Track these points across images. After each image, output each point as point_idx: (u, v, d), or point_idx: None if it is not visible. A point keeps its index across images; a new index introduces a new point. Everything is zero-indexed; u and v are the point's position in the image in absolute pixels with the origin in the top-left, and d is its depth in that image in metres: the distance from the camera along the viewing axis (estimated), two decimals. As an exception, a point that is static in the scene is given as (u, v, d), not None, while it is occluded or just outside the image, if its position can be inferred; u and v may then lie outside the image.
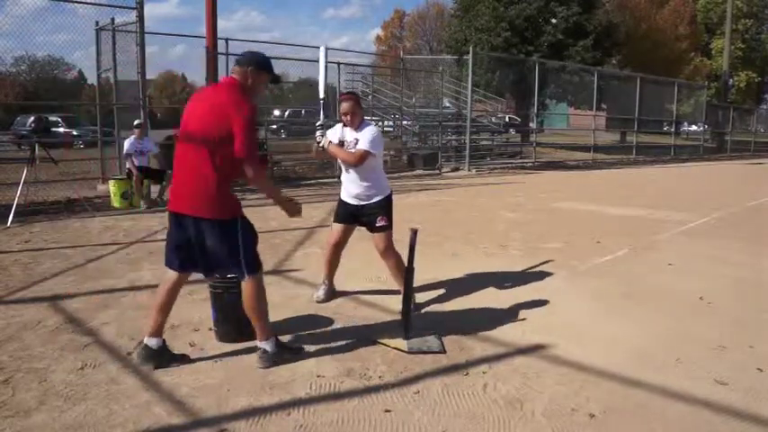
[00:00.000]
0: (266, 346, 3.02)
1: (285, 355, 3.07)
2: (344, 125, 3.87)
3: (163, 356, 2.98)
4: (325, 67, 3.98)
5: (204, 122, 2.81)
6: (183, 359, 3.03)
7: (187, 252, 2.91)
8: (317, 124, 3.87)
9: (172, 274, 2.98)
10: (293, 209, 3.08)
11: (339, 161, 3.97)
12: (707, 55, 38.75)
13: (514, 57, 20.25)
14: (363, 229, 4.00)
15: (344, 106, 3.78)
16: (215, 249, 2.85)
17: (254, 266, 2.96)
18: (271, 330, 3.06)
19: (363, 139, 3.77)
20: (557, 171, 16.15)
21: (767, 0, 42.08)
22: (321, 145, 3.79)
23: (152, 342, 2.97)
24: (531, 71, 17.62)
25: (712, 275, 4.98)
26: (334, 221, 4.06)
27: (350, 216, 3.97)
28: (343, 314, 3.83)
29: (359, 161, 3.74)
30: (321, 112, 3.94)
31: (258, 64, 2.95)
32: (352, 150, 3.78)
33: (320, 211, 7.89)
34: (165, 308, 2.99)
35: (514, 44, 21.80)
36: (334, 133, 3.88)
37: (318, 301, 4.04)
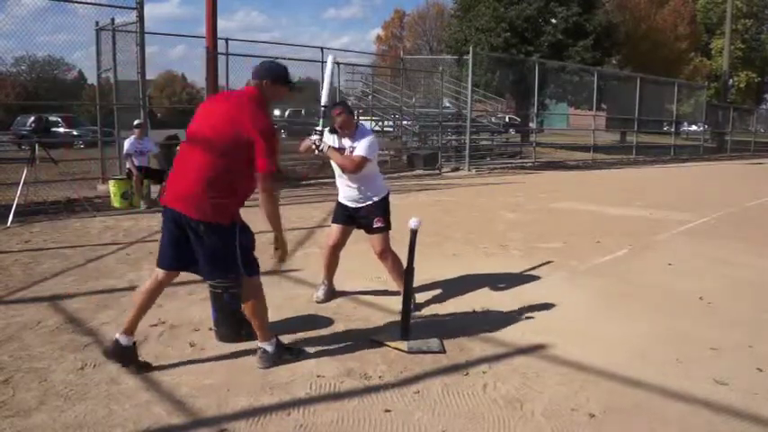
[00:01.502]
0: (266, 346, 3.02)
1: (285, 355, 3.07)
2: (338, 134, 3.87)
3: (130, 357, 2.91)
4: (331, 74, 3.96)
5: (216, 129, 2.78)
6: (147, 368, 2.94)
7: (182, 250, 2.86)
8: (316, 129, 3.86)
9: (160, 273, 2.93)
10: (283, 253, 3.04)
11: (333, 164, 3.95)
12: (707, 55, 38.76)
13: (514, 57, 20.25)
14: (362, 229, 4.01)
15: (340, 121, 3.78)
16: (213, 252, 2.82)
17: (252, 268, 2.96)
18: (271, 331, 3.06)
19: (360, 146, 3.77)
20: (557, 171, 16.15)
21: (767, 0, 42.07)
22: (321, 149, 3.77)
23: (123, 339, 2.89)
24: (530, 71, 17.62)
25: (712, 275, 4.98)
26: (333, 222, 4.07)
27: (348, 218, 3.98)
28: (343, 314, 3.83)
29: (357, 168, 3.74)
30: (321, 119, 3.92)
31: (274, 77, 2.89)
32: (320, 143, 3.77)
33: (320, 212, 7.89)
34: (146, 307, 2.95)
35: (514, 44, 21.80)
36: (332, 140, 3.88)
37: (318, 302, 4.05)
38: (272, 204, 2.86)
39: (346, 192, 3.94)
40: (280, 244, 3.00)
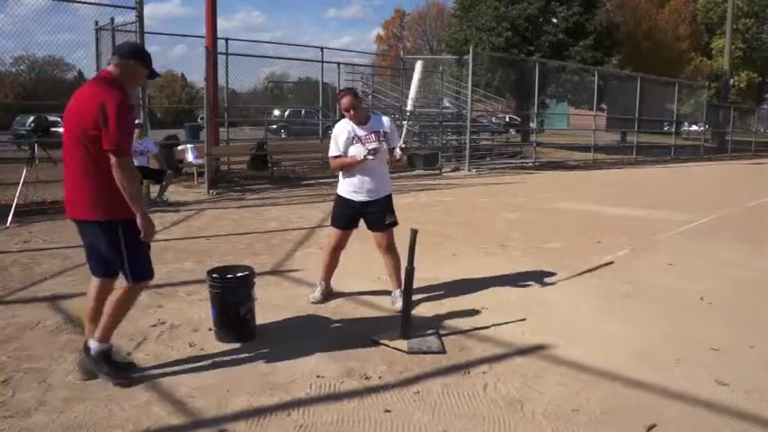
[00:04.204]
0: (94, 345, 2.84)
1: (108, 370, 2.80)
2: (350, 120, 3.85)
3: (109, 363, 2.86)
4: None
5: (79, 118, 2.67)
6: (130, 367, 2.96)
7: (92, 256, 2.86)
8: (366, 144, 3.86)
9: (95, 281, 2.91)
10: (149, 230, 2.74)
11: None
12: (707, 55, 38.73)
13: (515, 56, 20.24)
14: (362, 228, 3.99)
15: (345, 102, 3.77)
16: (101, 251, 2.78)
17: (141, 274, 2.81)
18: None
19: (393, 133, 3.88)
20: (557, 171, 16.14)
21: (768, 0, 42.06)
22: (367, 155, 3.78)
23: (93, 345, 2.84)
24: (531, 71, 17.61)
25: (712, 275, 4.98)
26: (336, 226, 4.00)
27: (351, 220, 3.94)
28: (343, 314, 3.83)
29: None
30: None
31: (140, 56, 2.84)
32: (373, 145, 3.77)
33: (320, 212, 7.88)
34: (96, 314, 2.87)
35: (515, 44, 21.79)
36: (347, 133, 3.83)
37: (314, 302, 4.01)
38: (125, 184, 2.65)
39: (365, 186, 3.87)
40: (143, 221, 2.71)
